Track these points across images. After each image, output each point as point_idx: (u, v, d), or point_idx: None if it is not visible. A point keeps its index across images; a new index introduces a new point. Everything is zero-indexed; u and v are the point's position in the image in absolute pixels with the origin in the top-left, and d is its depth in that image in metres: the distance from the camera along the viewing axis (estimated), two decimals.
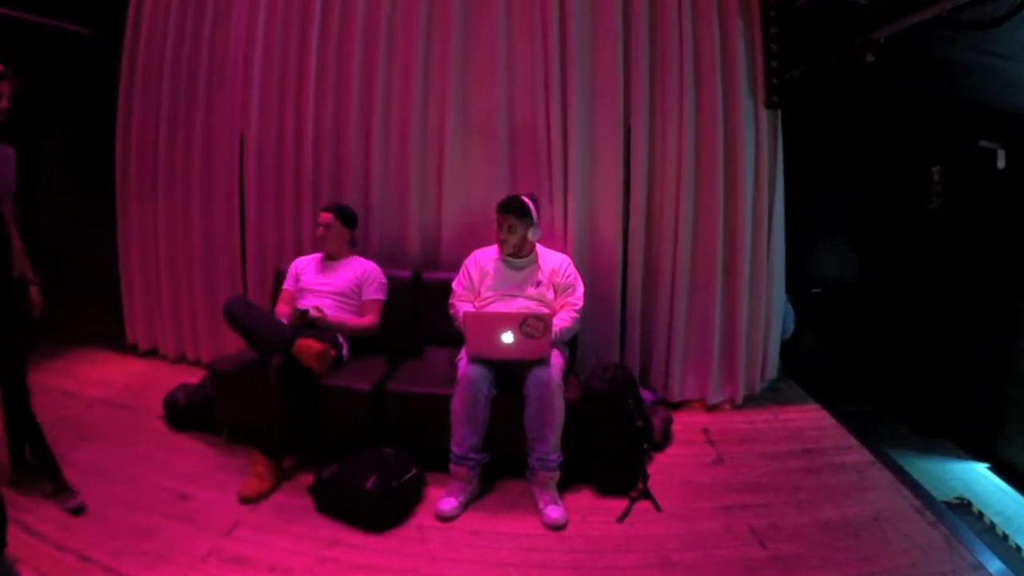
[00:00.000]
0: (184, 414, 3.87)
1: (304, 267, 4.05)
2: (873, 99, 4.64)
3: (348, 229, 4.06)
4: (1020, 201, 4.35)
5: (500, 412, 3.21)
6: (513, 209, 3.63)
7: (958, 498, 3.99)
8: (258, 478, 3.19)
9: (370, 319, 3.87)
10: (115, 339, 5.23)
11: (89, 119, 5.08)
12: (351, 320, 3.83)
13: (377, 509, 2.92)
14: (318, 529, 2.91)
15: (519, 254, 3.71)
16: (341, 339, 3.74)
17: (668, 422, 3.88)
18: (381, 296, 3.94)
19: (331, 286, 3.90)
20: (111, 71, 4.91)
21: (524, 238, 3.69)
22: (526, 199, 3.67)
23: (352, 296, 3.91)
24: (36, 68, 4.86)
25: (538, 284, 3.64)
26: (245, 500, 3.10)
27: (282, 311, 3.87)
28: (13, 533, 2.63)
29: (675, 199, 4.24)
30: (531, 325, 3.12)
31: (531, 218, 3.65)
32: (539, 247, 3.78)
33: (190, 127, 4.73)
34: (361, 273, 3.96)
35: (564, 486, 3.22)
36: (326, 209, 4.03)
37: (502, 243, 3.68)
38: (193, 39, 4.68)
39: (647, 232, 4.33)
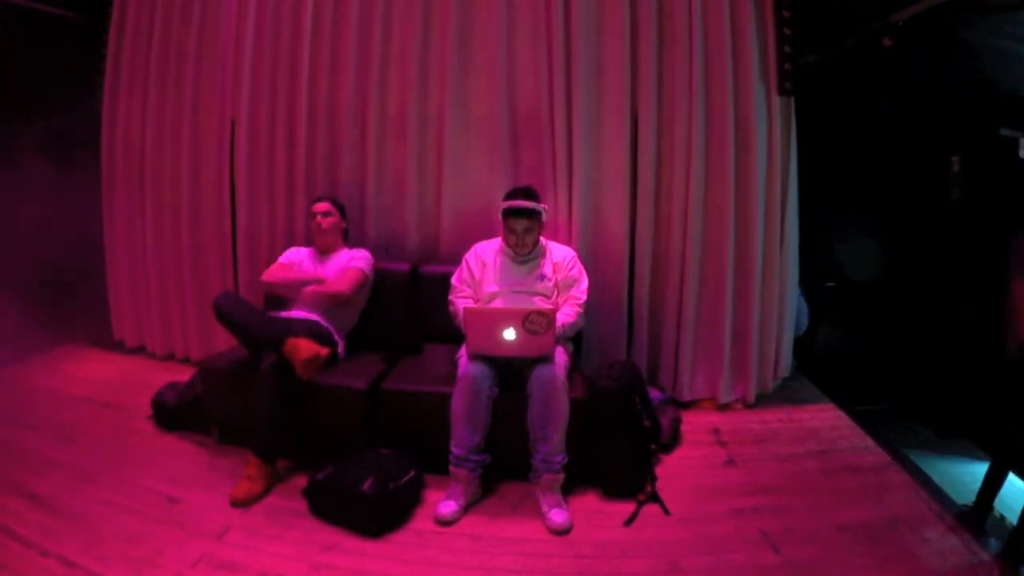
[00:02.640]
0: (173, 414, 3.86)
1: (298, 260, 4.03)
2: (890, 85, 4.61)
3: (344, 219, 4.07)
4: None
5: (502, 412, 3.20)
6: (531, 211, 3.57)
7: None
8: (250, 480, 3.18)
9: (339, 285, 3.78)
10: (101, 336, 5.23)
11: (74, 106, 5.07)
12: (324, 289, 3.79)
13: (374, 513, 2.91)
14: (312, 533, 2.90)
15: (532, 250, 3.70)
16: (336, 336, 3.73)
17: (677, 422, 3.87)
18: (362, 267, 3.89)
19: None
20: (97, 56, 4.89)
21: (539, 233, 3.69)
22: (534, 191, 3.66)
23: None
24: (19, 53, 4.85)
25: (543, 278, 3.63)
26: (237, 503, 3.09)
27: (274, 270, 3.89)
28: None
29: (684, 189, 4.22)
30: (534, 321, 3.11)
31: (543, 211, 3.64)
32: (543, 239, 3.76)
33: (179, 114, 4.71)
34: (349, 258, 3.96)
35: (569, 489, 3.21)
36: (321, 199, 4.03)
37: (518, 246, 3.63)
38: (182, 23, 4.66)
39: (655, 224, 4.32)
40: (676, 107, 4.19)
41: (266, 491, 3.21)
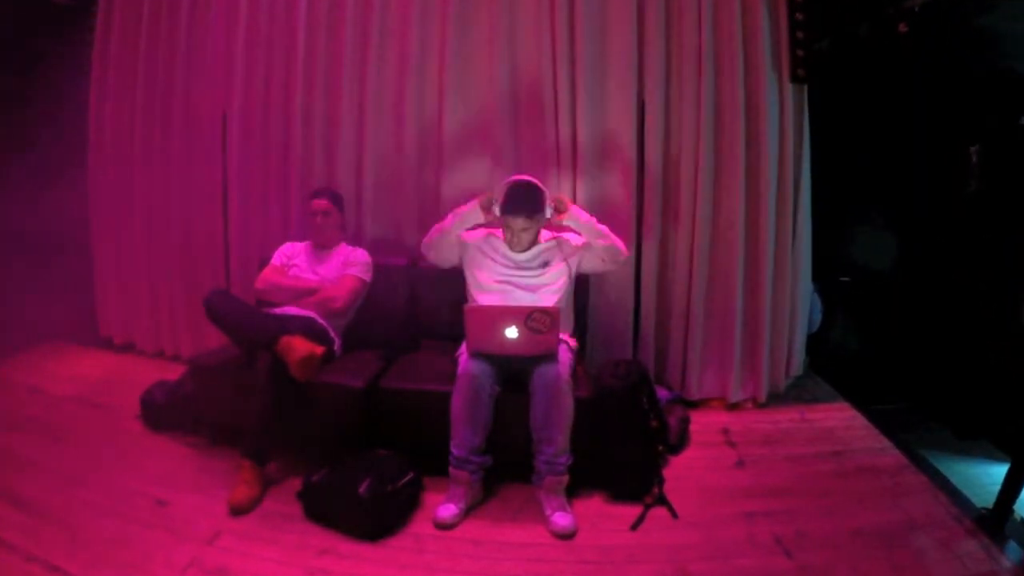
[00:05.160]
0: (162, 413, 3.85)
1: (294, 255, 4.01)
2: (906, 72, 4.60)
3: (342, 214, 4.05)
4: None
5: (504, 411, 3.19)
6: (529, 208, 3.55)
7: None
8: (247, 484, 3.16)
9: (331, 291, 3.77)
10: (88, 332, 5.22)
11: (63, 94, 5.05)
12: (318, 300, 3.79)
13: (371, 516, 2.90)
14: (307, 537, 2.89)
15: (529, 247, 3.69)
16: (333, 334, 3.72)
17: (685, 422, 3.86)
18: (358, 274, 3.89)
19: (322, 279, 3.88)
20: (84, 42, 4.87)
21: (538, 231, 3.67)
22: (538, 186, 3.63)
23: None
24: (5, 39, 4.83)
25: (546, 265, 3.62)
26: (238, 509, 3.06)
27: (268, 276, 3.88)
28: None
29: (693, 181, 4.20)
30: (537, 319, 3.09)
31: (546, 203, 3.62)
32: (546, 232, 3.75)
33: (168, 104, 4.70)
34: (347, 258, 3.95)
35: (573, 491, 3.20)
36: (320, 195, 4.01)
37: (512, 243, 3.63)
38: (172, 6, 4.64)
39: (663, 217, 4.31)
40: (684, 94, 4.17)
41: (263, 493, 3.19)
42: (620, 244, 3.58)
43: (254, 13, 4.48)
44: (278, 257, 4.01)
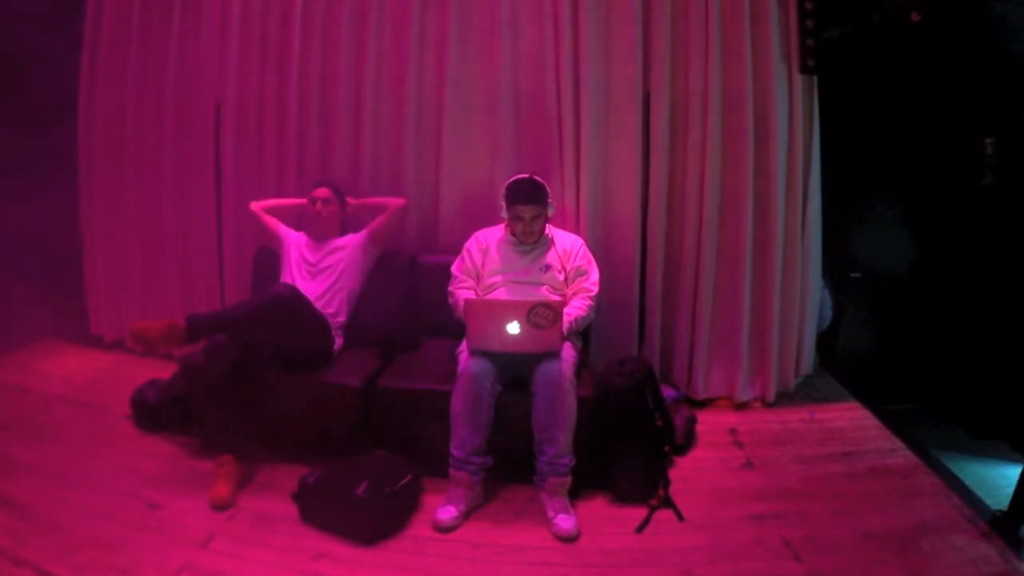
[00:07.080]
0: (154, 413, 3.84)
1: (294, 244, 4.00)
2: (919, 63, 4.59)
3: (343, 208, 4.06)
4: None
5: (505, 411, 3.19)
6: (536, 197, 3.57)
7: None
8: (224, 479, 3.19)
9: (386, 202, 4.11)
10: (78, 329, 5.20)
11: (51, 83, 5.03)
12: (376, 199, 4.16)
13: (369, 518, 2.90)
14: (303, 540, 2.89)
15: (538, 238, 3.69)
16: (334, 332, 3.72)
17: (692, 422, 3.85)
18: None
19: (321, 276, 3.87)
20: (75, 32, 4.86)
21: (546, 221, 3.67)
22: (538, 178, 3.64)
23: (345, 277, 3.88)
24: None
25: (547, 268, 3.61)
26: (219, 505, 3.09)
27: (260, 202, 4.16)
28: None
29: (699, 174, 4.19)
30: (540, 314, 3.09)
31: (549, 198, 3.63)
32: (549, 227, 3.74)
33: (161, 95, 4.67)
34: (346, 243, 3.97)
35: (576, 493, 3.20)
36: (321, 184, 4.01)
37: (525, 235, 3.63)
38: None
39: (668, 211, 4.29)
40: (691, 86, 4.14)
41: (241, 488, 3.24)
42: (591, 303, 3.61)
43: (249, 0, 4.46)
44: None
